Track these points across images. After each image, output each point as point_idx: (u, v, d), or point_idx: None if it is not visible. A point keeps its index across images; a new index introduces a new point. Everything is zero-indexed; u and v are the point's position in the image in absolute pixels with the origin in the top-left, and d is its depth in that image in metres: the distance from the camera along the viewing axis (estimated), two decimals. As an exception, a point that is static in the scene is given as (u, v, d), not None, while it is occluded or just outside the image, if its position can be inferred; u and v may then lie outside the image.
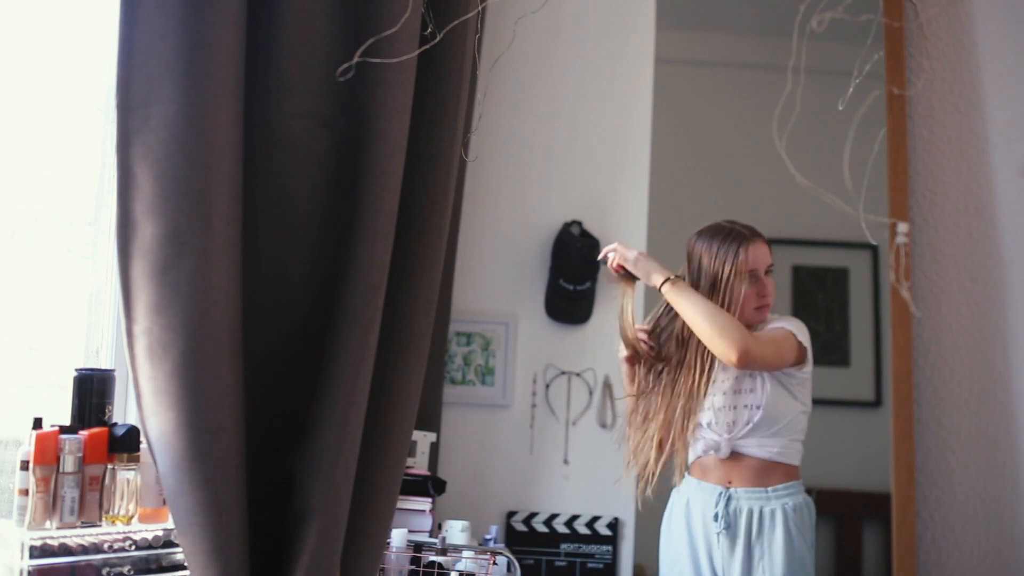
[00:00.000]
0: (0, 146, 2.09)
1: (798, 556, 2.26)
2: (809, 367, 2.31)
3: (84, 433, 1.84)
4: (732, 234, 2.30)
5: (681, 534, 2.36)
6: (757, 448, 2.29)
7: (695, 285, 2.30)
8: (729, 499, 2.29)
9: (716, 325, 2.17)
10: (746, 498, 2.29)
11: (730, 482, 2.31)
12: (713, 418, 2.32)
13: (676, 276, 2.29)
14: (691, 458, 2.39)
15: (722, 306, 2.26)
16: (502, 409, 3.11)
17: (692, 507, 2.35)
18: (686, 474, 2.40)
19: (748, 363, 2.15)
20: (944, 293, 3.17)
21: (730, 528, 2.28)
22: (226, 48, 1.68)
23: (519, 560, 2.42)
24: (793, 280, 3.55)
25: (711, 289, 2.28)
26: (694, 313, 2.21)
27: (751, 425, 2.28)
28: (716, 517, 2.29)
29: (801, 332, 2.28)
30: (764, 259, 2.31)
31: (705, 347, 2.24)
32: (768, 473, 2.29)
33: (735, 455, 2.31)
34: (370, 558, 1.88)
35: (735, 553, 2.27)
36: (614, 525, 3.04)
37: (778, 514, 2.26)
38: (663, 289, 2.27)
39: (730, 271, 2.26)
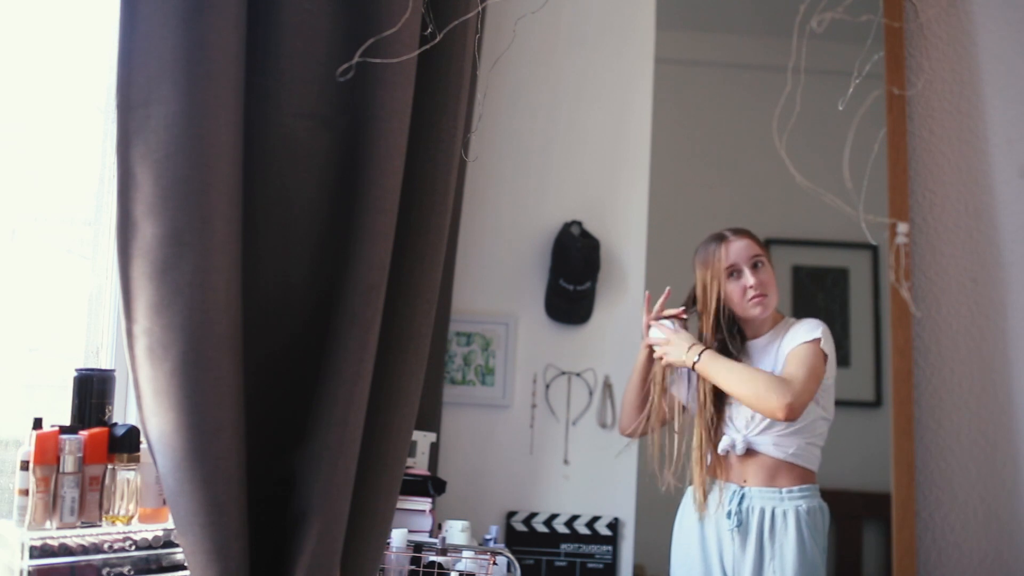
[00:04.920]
0: (0, 146, 2.09)
1: (809, 559, 2.27)
2: (831, 374, 2.33)
3: (84, 433, 1.83)
4: (714, 238, 2.39)
5: (693, 529, 2.39)
6: (772, 447, 2.31)
7: (700, 297, 2.37)
8: (743, 498, 2.31)
9: (752, 390, 2.20)
10: (759, 497, 2.31)
11: (745, 481, 2.33)
12: (735, 412, 2.35)
13: (702, 348, 2.32)
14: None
15: (711, 306, 2.32)
16: (502, 409, 3.10)
17: (706, 504, 2.38)
18: None
19: (796, 413, 2.18)
20: (944, 293, 3.17)
21: (742, 526, 2.30)
22: (226, 48, 1.68)
23: (519, 560, 2.42)
24: (793, 280, 3.55)
25: (703, 293, 2.37)
26: (729, 382, 2.26)
27: (767, 421, 2.29)
28: (729, 515, 2.31)
29: (827, 338, 2.29)
30: (744, 252, 2.35)
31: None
32: (782, 474, 2.32)
33: (750, 453, 2.33)
34: (370, 558, 1.88)
35: (746, 552, 2.29)
36: (614, 525, 3.04)
37: (791, 516, 2.28)
38: (697, 367, 2.31)
39: (708, 272, 2.35)
